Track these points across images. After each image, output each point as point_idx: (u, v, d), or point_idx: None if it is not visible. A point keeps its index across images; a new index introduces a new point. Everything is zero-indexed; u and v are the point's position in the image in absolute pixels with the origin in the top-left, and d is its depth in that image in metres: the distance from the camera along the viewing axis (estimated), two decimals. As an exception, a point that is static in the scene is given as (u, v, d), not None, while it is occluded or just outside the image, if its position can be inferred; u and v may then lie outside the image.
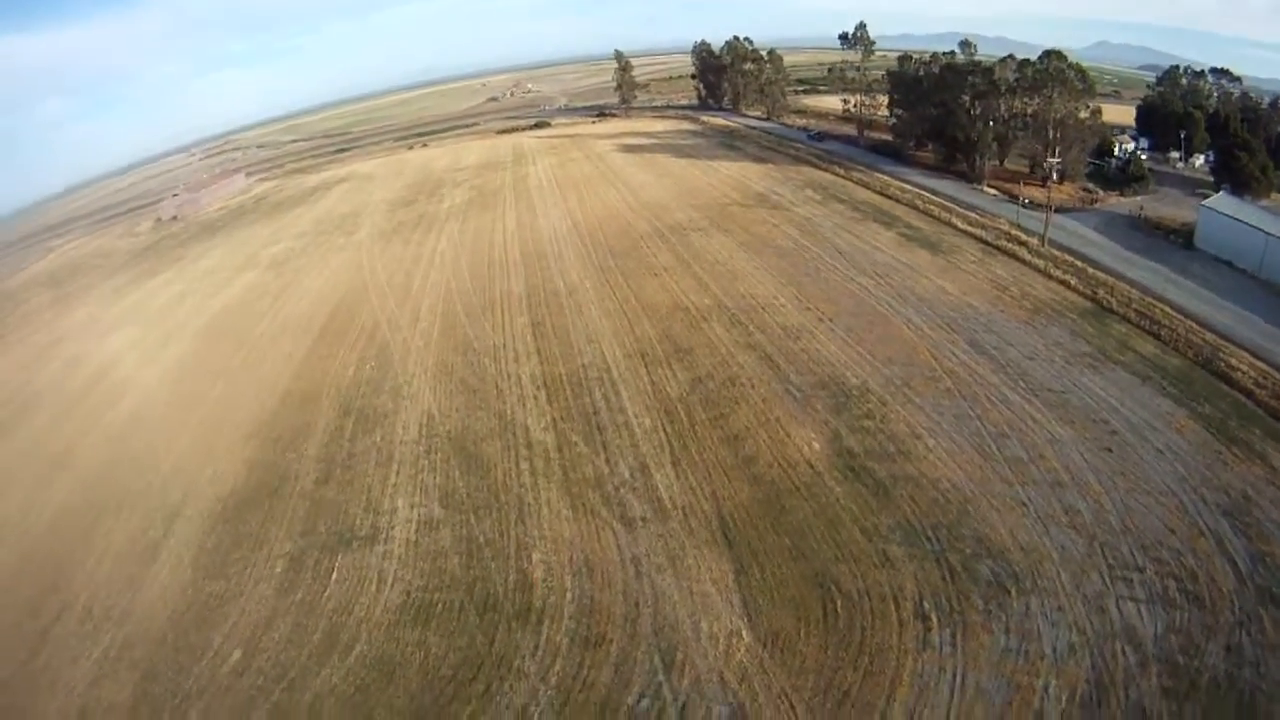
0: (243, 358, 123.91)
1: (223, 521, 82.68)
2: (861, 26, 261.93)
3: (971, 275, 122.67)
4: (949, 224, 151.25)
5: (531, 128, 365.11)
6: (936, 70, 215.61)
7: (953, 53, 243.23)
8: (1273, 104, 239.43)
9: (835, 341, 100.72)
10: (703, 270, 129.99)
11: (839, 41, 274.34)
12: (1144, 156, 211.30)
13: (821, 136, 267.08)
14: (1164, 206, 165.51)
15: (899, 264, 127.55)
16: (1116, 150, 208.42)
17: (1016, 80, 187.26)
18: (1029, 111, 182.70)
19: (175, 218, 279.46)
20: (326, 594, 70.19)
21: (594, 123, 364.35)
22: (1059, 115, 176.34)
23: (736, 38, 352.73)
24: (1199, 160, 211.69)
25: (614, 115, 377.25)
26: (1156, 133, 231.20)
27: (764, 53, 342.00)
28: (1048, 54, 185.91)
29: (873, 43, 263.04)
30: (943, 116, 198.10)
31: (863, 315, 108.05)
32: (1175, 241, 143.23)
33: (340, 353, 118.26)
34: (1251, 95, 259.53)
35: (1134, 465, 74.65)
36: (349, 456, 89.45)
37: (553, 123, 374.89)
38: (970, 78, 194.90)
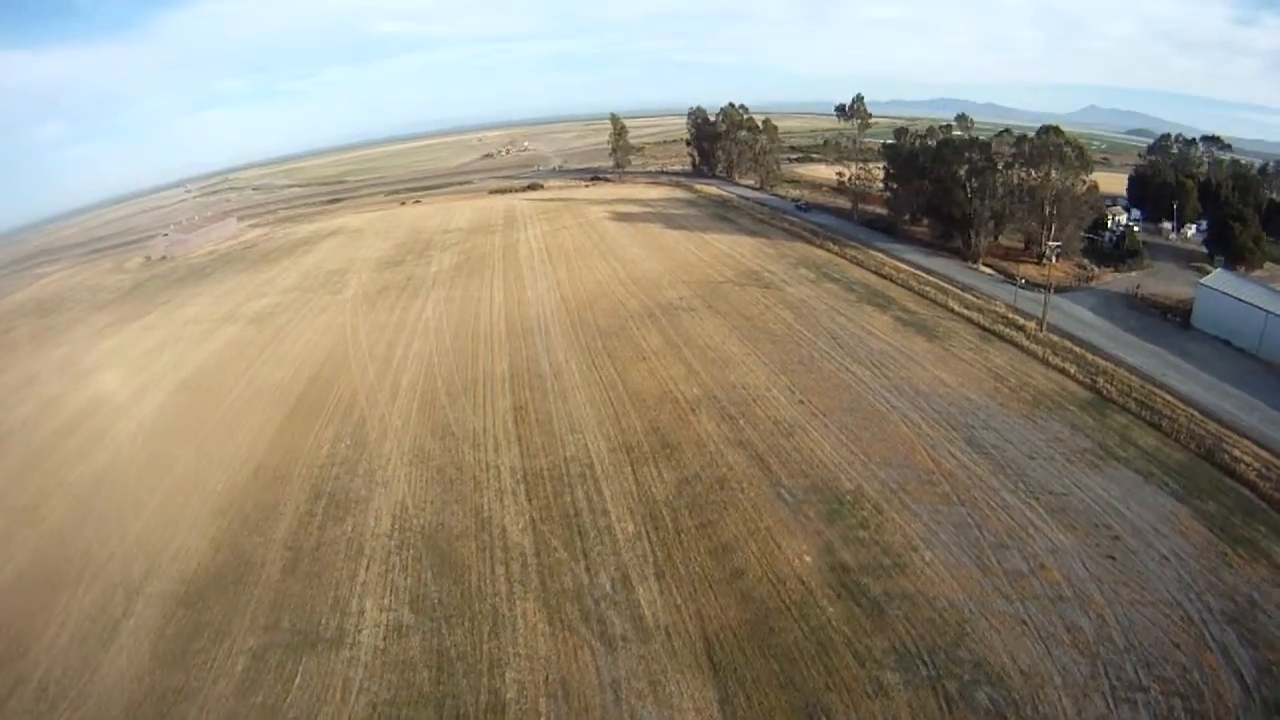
0: (217, 422, 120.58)
1: (184, 606, 79.31)
2: (859, 99, 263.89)
3: (969, 364, 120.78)
4: (945, 306, 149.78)
5: (525, 189, 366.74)
6: (933, 144, 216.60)
7: (949, 125, 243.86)
8: (1263, 170, 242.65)
9: (830, 440, 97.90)
10: (693, 355, 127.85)
11: (835, 113, 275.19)
12: (1137, 229, 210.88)
13: (808, 207, 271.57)
14: (1159, 283, 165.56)
15: (895, 351, 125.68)
16: (1110, 223, 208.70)
17: (1014, 155, 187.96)
18: (1026, 188, 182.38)
19: (165, 257, 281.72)
20: (288, 700, 66.39)
21: (587, 186, 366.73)
22: (1056, 191, 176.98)
23: (732, 105, 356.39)
24: (1191, 230, 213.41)
25: (608, 180, 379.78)
26: (1148, 203, 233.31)
27: (759, 121, 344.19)
28: (1045, 129, 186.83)
29: (869, 115, 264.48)
30: (939, 193, 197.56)
31: (858, 410, 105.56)
32: (1173, 320, 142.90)
33: (316, 426, 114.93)
34: (1242, 162, 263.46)
35: (1137, 574, 72.61)
36: (318, 546, 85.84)
37: (546, 185, 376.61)
38: (967, 153, 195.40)
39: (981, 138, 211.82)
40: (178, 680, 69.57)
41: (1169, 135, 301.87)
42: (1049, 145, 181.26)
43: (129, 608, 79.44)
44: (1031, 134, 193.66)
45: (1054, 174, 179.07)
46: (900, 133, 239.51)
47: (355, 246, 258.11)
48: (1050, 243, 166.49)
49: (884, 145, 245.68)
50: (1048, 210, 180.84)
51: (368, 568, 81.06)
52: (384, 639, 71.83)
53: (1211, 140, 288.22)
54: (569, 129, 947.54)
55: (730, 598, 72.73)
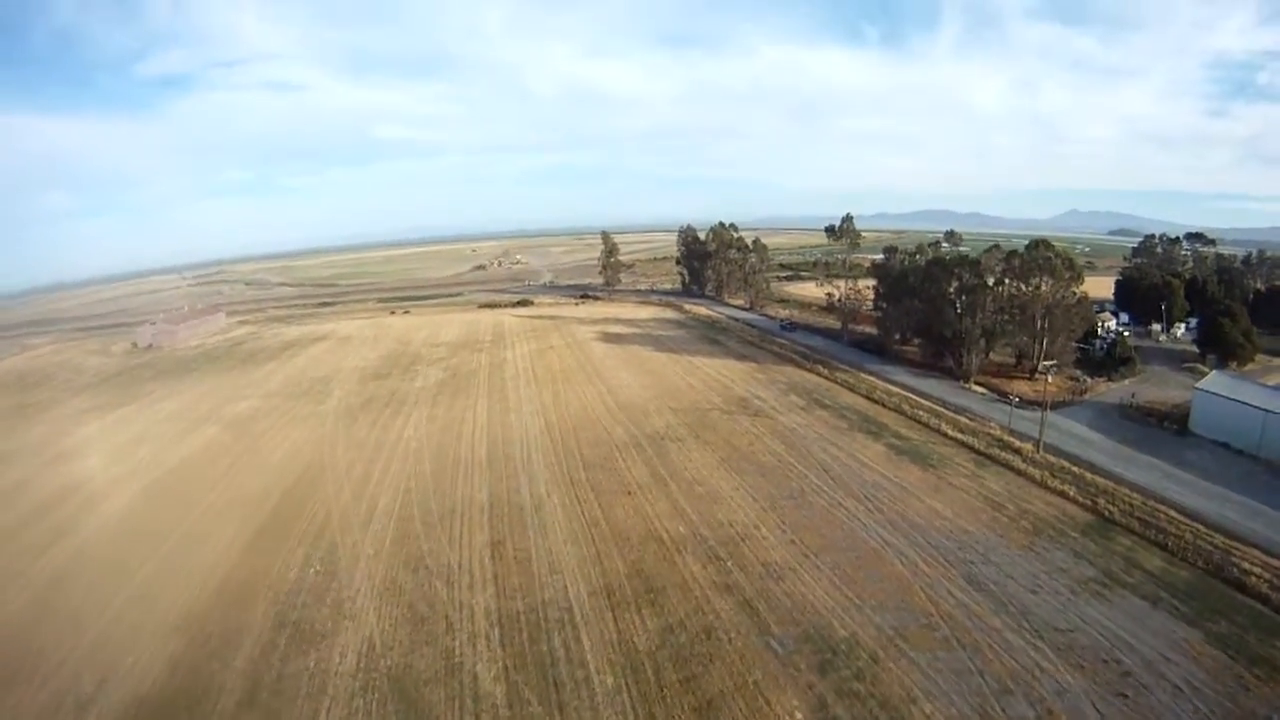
0: (185, 530, 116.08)
1: None
2: (848, 220, 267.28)
3: (965, 492, 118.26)
4: (938, 431, 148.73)
5: (514, 305, 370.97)
6: (922, 263, 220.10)
7: (937, 241, 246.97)
8: (1246, 260, 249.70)
9: (822, 582, 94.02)
10: (679, 490, 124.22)
11: (825, 233, 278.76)
12: (1127, 333, 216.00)
13: (793, 326, 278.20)
14: (1153, 389, 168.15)
15: (888, 483, 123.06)
16: (1100, 329, 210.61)
17: (1004, 271, 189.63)
18: (1017, 303, 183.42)
19: (151, 346, 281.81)
20: None
21: (577, 304, 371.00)
22: (1046, 305, 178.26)
23: (722, 224, 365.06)
24: (1180, 330, 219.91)
25: (597, 298, 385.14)
26: (1136, 305, 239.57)
27: (749, 241, 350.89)
28: (1034, 243, 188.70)
29: (858, 234, 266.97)
30: (929, 313, 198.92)
31: (852, 549, 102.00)
32: (1169, 428, 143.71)
33: (286, 547, 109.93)
34: (1225, 255, 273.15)
35: (1150, 710, 69.26)
36: (278, 679, 79.99)
37: (536, 301, 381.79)
38: (958, 270, 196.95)
39: (970, 253, 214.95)
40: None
41: (1153, 236, 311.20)
42: (1038, 259, 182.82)
43: None
44: (1020, 247, 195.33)
45: (1044, 287, 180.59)
46: (890, 251, 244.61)
47: (342, 354, 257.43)
48: (1044, 362, 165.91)
49: (873, 264, 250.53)
50: (1039, 324, 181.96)
51: (329, 710, 74.88)
52: None
53: (1195, 237, 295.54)
54: (560, 243, 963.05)
55: None
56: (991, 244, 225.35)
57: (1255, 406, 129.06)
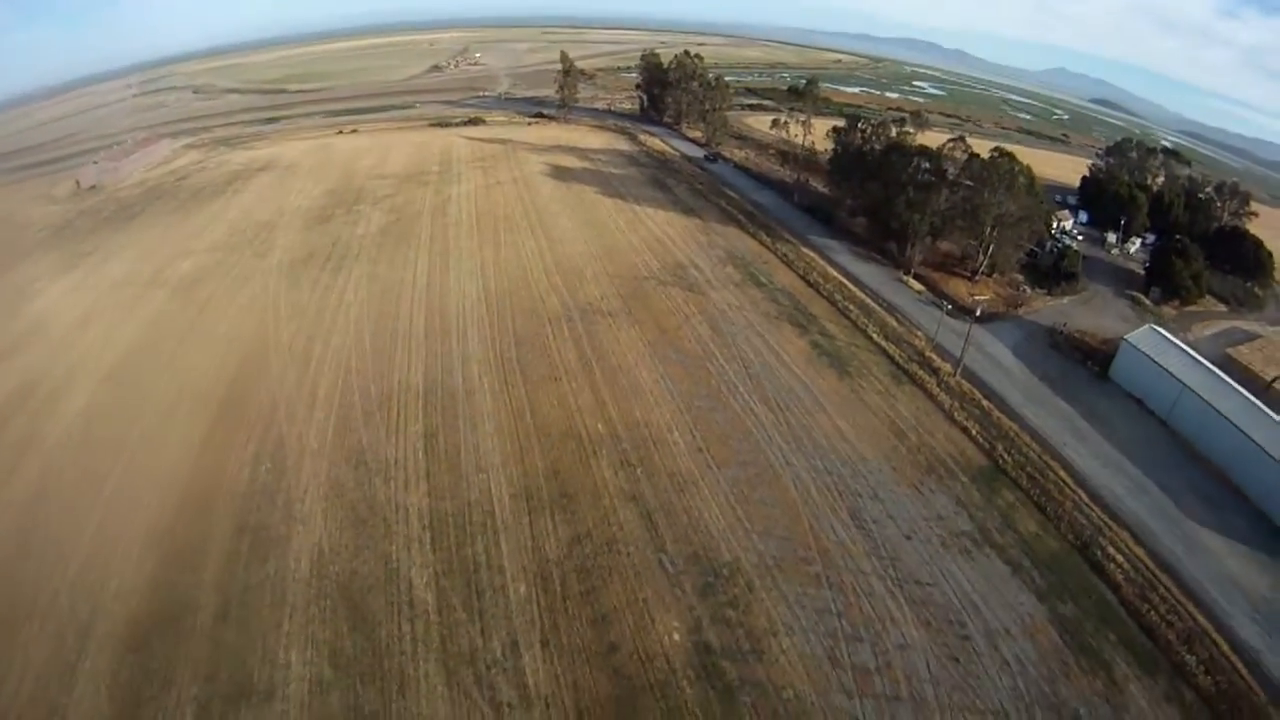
0: (143, 431, 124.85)
1: (131, 651, 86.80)
2: (813, 83, 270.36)
3: (873, 414, 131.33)
4: (865, 333, 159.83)
5: (466, 124, 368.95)
6: (881, 147, 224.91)
7: (903, 119, 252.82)
8: (1219, 189, 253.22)
9: (719, 499, 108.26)
10: (603, 378, 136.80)
11: (788, 94, 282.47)
12: (1080, 237, 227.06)
13: (716, 158, 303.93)
14: (1088, 314, 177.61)
15: (803, 391, 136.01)
16: (1054, 228, 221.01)
17: (961, 170, 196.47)
18: (969, 206, 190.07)
19: (95, 186, 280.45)
20: None
21: (529, 125, 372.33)
22: (997, 215, 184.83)
23: (687, 53, 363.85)
24: (1135, 245, 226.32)
25: (552, 118, 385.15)
26: (1098, 208, 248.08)
27: (711, 77, 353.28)
28: (1000, 153, 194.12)
29: (822, 99, 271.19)
30: (880, 199, 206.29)
31: (754, 464, 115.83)
32: (1091, 369, 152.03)
33: (238, 442, 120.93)
34: (1198, 180, 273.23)
35: (976, 679, 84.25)
36: (244, 590, 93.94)
37: (488, 119, 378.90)
38: (917, 160, 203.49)
39: (931, 144, 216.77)
40: (137, 728, 78.96)
41: (1130, 139, 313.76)
42: (1000, 170, 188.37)
43: (83, 651, 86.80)
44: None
45: (1003, 197, 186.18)
46: (852, 122, 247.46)
47: (286, 189, 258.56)
48: (976, 298, 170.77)
49: (832, 131, 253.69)
50: (989, 231, 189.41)
51: (291, 617, 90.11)
52: (309, 693, 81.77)
53: (1171, 154, 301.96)
54: (525, 38, 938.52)
55: (604, 672, 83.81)
56: (957, 135, 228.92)
57: (1174, 376, 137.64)
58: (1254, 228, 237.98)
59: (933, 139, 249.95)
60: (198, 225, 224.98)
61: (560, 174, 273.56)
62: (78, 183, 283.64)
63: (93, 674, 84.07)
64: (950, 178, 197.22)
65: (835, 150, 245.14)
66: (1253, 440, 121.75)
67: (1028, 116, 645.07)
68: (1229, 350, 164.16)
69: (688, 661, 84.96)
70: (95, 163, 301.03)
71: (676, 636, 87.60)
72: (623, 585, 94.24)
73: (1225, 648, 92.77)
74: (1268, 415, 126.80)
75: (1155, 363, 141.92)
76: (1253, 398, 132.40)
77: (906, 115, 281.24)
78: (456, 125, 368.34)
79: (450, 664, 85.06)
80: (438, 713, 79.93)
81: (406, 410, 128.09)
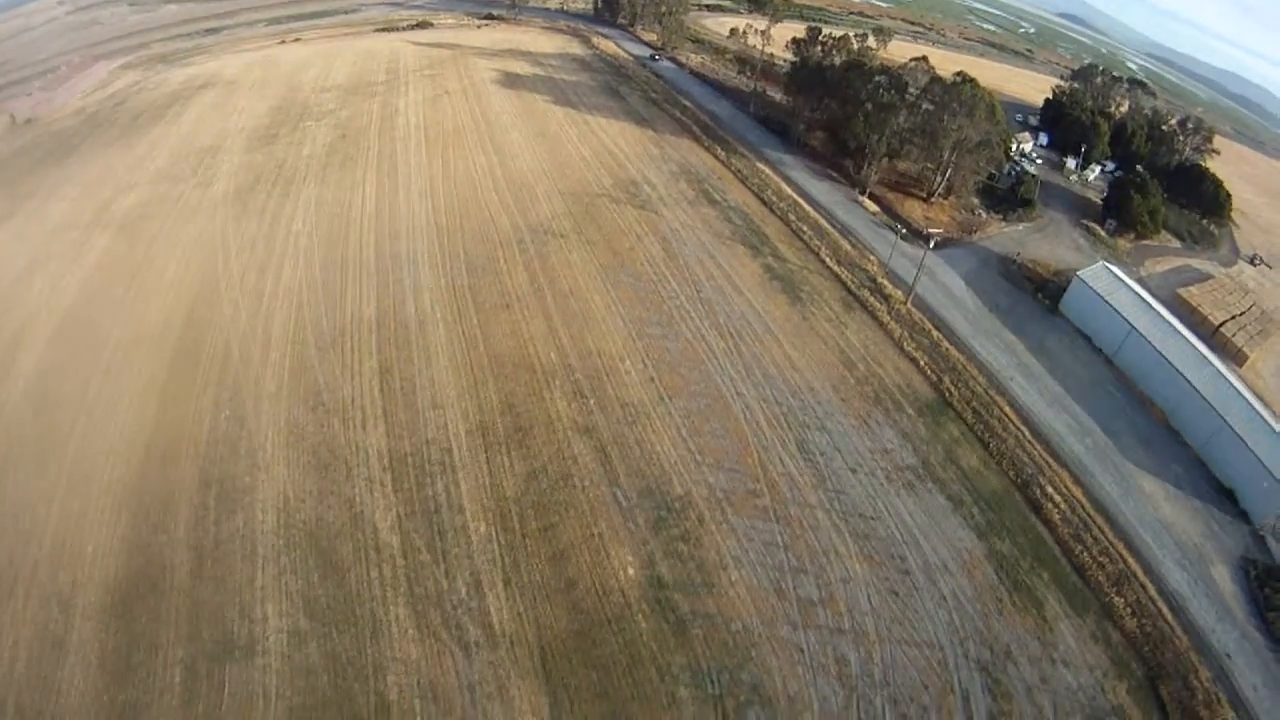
0: (100, 383, 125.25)
1: (115, 617, 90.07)
2: None
3: (824, 342, 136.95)
4: (817, 255, 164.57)
5: (413, 28, 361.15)
6: (839, 65, 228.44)
7: (864, 34, 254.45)
8: (1182, 124, 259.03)
9: (670, 430, 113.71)
10: (555, 304, 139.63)
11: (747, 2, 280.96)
12: (1038, 160, 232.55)
13: (658, 58, 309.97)
14: (1043, 243, 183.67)
15: (754, 317, 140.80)
16: (1013, 150, 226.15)
17: (921, 93, 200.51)
18: (927, 130, 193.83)
19: (30, 120, 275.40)
20: (224, 708, 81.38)
21: (479, 28, 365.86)
22: (956, 140, 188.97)
23: None
24: (1094, 173, 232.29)
25: (502, 19, 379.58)
26: (1059, 131, 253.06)
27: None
28: (963, 79, 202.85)
29: (779, 9, 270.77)
30: (839, 119, 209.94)
31: (705, 395, 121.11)
32: (1042, 302, 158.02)
33: (195, 390, 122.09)
34: (1161, 112, 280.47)
35: (913, 613, 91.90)
36: (215, 545, 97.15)
37: (436, 22, 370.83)
38: (878, 80, 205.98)
39: (893, 56, 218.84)
40: (129, 696, 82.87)
41: (1096, 65, 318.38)
42: (963, 94, 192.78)
43: (69, 622, 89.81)
44: (945, 69, 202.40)
45: (964, 123, 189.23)
46: (813, 34, 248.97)
47: (228, 109, 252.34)
48: (931, 231, 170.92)
49: (792, 43, 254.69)
50: (947, 156, 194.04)
51: (263, 569, 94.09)
52: (288, 645, 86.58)
53: (1138, 84, 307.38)
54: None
55: (563, 608, 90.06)
56: (919, 56, 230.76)
57: (1123, 317, 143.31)
58: (1214, 164, 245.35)
59: (895, 49, 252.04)
60: (139, 155, 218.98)
61: (510, 81, 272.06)
62: (12, 117, 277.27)
63: (81, 645, 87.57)
64: (910, 99, 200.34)
65: (794, 63, 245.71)
66: (1195, 388, 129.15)
67: (993, 28, 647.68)
68: (1180, 290, 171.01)
69: (642, 595, 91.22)
70: (29, 94, 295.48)
71: (631, 571, 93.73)
72: (579, 521, 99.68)
73: (1153, 591, 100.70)
74: (1211, 364, 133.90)
75: (1106, 302, 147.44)
76: (1199, 344, 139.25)
77: (869, 31, 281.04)
78: (403, 30, 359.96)
79: (419, 607, 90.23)
80: (410, 655, 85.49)
81: (360, 345, 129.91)
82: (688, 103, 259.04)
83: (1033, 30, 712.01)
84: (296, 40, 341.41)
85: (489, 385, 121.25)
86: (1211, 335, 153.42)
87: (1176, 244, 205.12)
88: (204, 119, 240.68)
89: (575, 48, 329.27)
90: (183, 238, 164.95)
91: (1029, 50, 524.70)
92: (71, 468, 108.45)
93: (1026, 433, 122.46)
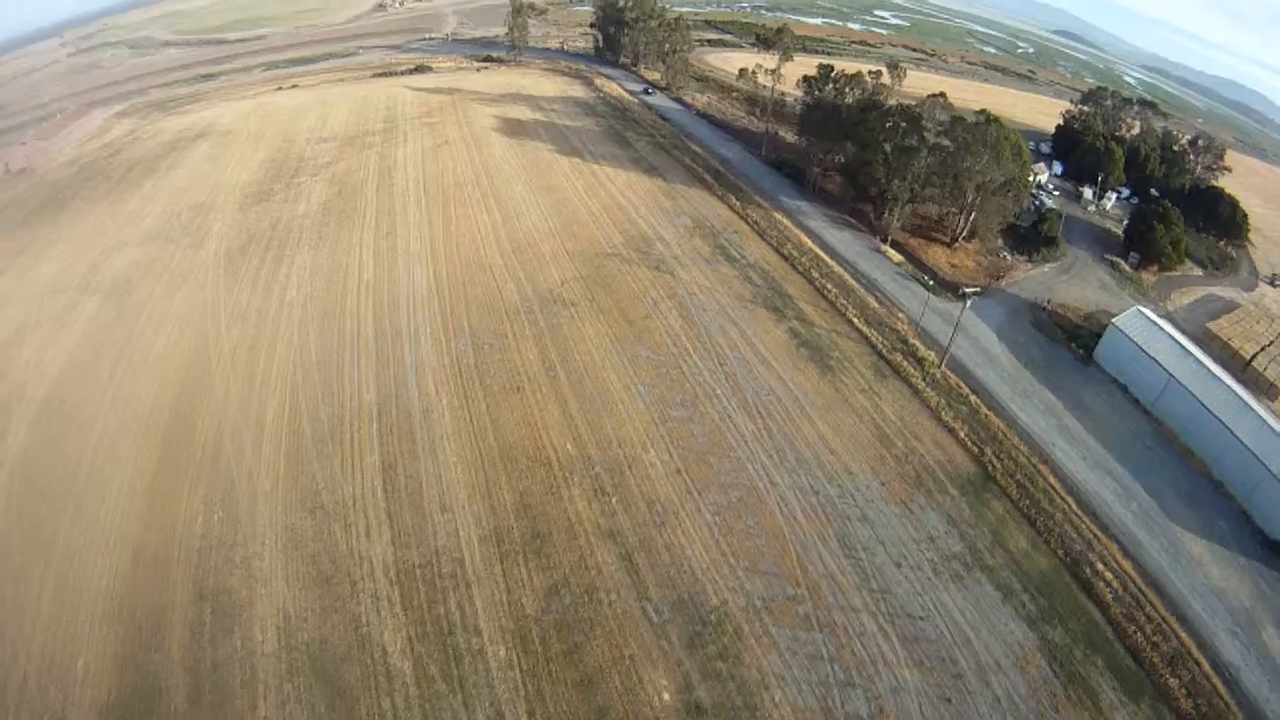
0: (87, 472, 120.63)
1: None
2: (781, 31, 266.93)
3: (858, 416, 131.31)
4: (844, 316, 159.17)
5: (411, 72, 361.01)
6: (854, 104, 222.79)
7: (878, 72, 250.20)
8: (1193, 143, 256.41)
9: (701, 532, 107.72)
10: (569, 386, 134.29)
11: (755, 45, 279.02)
12: (1055, 191, 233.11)
13: (651, 91, 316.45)
14: (1071, 285, 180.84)
15: (784, 391, 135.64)
16: (1032, 182, 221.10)
17: (942, 132, 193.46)
18: (950, 173, 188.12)
19: (24, 170, 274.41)
20: None
21: (478, 71, 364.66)
22: (980, 183, 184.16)
23: None
24: (1111, 201, 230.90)
25: (502, 62, 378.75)
26: (1072, 159, 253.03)
27: (672, 17, 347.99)
28: (986, 117, 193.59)
29: (790, 48, 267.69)
30: (857, 164, 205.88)
31: (735, 487, 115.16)
32: (1075, 352, 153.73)
33: (185, 486, 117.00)
34: (1171, 132, 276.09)
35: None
36: (213, 668, 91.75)
37: (435, 66, 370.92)
38: (894, 120, 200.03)
39: (910, 104, 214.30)
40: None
41: (1105, 89, 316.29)
42: (987, 136, 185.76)
43: None
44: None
45: (987, 164, 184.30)
46: (824, 73, 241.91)
47: (222, 163, 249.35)
48: (966, 289, 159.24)
49: (803, 81, 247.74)
50: (971, 199, 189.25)
51: (265, 697, 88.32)
52: None
53: (1148, 105, 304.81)
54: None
55: None
56: (938, 92, 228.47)
57: (1161, 366, 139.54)
58: (1224, 180, 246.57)
59: (908, 83, 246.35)
60: (131, 211, 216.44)
61: (512, 129, 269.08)
62: (6, 166, 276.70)
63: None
64: (930, 140, 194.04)
65: (806, 104, 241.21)
66: (1238, 438, 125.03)
67: (992, 50, 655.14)
68: (1209, 325, 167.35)
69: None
70: (24, 143, 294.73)
71: (666, 696, 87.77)
72: (607, 641, 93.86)
73: (1207, 667, 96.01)
74: (1253, 410, 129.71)
75: (1143, 350, 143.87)
76: (1239, 388, 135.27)
77: (883, 68, 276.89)
78: (401, 74, 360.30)
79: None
80: (430, 801, 77.83)
81: (360, 437, 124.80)
82: (697, 148, 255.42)
83: (1032, 50, 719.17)
84: (293, 86, 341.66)
85: (501, 483, 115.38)
86: (1243, 370, 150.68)
87: (1198, 272, 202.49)
88: (198, 172, 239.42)
89: (578, 90, 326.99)
90: (172, 307, 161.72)
91: (1030, 71, 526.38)
92: (59, 571, 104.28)
93: (1072, 504, 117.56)
